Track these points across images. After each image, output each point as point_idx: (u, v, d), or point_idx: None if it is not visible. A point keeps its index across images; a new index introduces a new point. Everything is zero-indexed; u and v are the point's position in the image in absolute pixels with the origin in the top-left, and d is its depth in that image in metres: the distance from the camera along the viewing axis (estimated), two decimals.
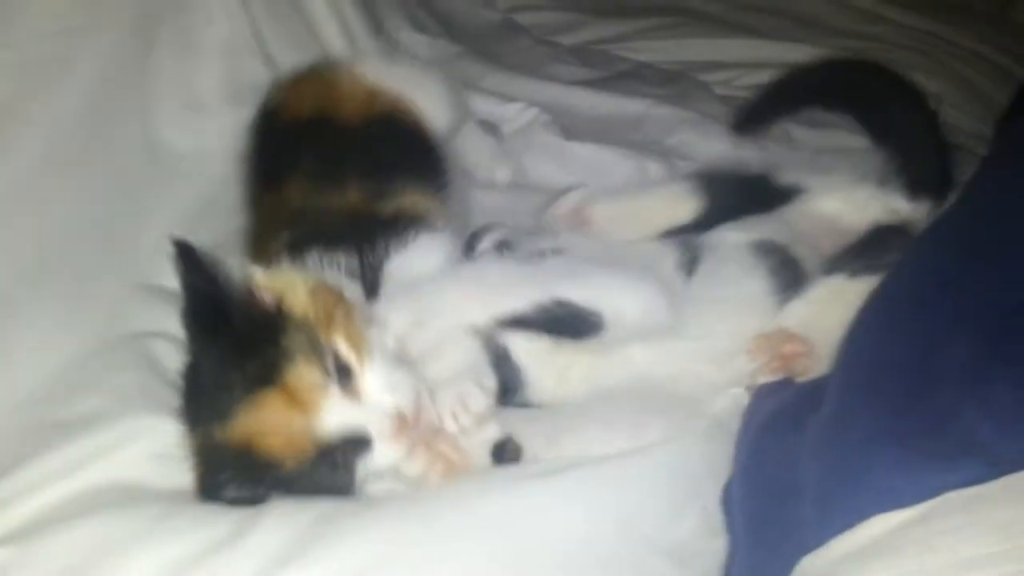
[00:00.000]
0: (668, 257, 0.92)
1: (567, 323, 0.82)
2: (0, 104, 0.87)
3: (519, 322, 0.83)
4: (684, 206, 0.98)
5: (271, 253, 0.85)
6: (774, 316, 0.87)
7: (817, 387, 0.74)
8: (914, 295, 0.74)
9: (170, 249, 0.74)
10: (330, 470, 0.71)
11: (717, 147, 1.27)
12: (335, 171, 0.92)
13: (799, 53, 1.61)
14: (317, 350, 0.72)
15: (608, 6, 1.83)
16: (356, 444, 0.72)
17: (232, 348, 0.73)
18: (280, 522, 0.69)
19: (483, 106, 1.32)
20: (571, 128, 1.29)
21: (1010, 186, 0.81)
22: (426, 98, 1.06)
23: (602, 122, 1.33)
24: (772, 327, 0.84)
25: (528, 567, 0.69)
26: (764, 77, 1.56)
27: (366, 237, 0.85)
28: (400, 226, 0.87)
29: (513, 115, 1.32)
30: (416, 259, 0.85)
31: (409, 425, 0.73)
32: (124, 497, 0.74)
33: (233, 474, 0.71)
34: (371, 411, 0.72)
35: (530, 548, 0.70)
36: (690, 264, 0.92)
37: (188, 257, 0.74)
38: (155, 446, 0.77)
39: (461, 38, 1.48)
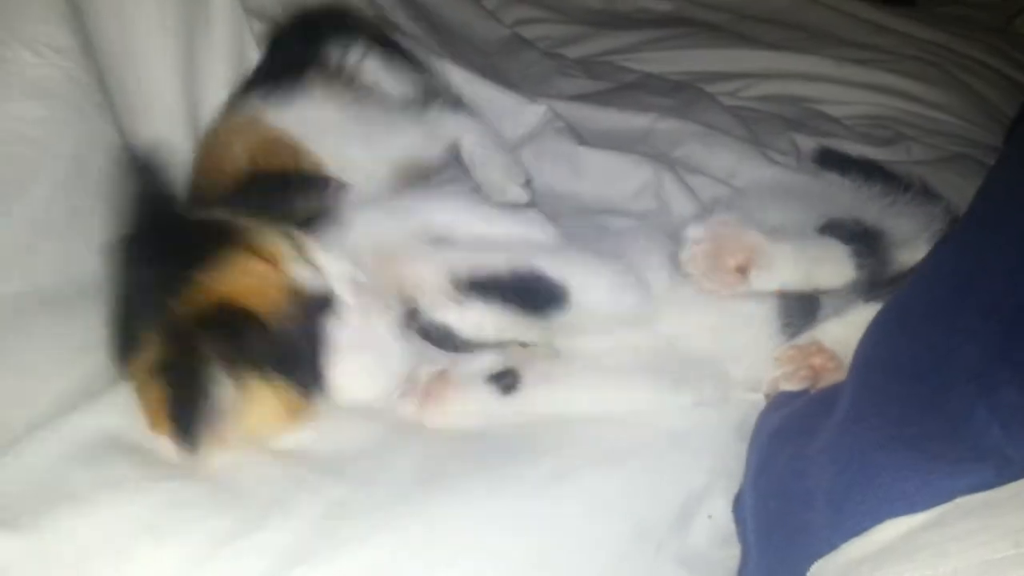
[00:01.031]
0: (654, 254, 0.90)
1: (532, 292, 0.82)
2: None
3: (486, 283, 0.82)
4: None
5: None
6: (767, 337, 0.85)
7: (829, 395, 0.73)
8: (926, 301, 0.74)
9: None
10: (302, 333, 0.72)
11: (724, 159, 1.28)
12: None
13: (806, 64, 1.63)
14: (274, 228, 0.76)
15: (613, 18, 1.84)
16: (322, 304, 0.74)
17: (191, 228, 0.75)
18: (289, 516, 0.69)
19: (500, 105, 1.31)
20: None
21: (1017, 191, 0.81)
22: None
23: (609, 135, 1.33)
24: (805, 338, 0.84)
25: (542, 567, 0.69)
26: (771, 87, 1.58)
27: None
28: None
29: (529, 119, 1.32)
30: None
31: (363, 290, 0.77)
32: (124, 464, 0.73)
33: (212, 345, 0.69)
34: (331, 274, 0.77)
35: (544, 549, 0.70)
36: None
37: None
38: None
39: (466, 54, 1.49)
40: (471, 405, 0.81)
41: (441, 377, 0.81)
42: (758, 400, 0.85)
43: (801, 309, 0.86)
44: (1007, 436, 0.58)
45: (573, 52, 1.71)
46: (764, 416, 0.81)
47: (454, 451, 0.78)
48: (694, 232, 0.80)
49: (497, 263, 0.82)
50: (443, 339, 0.83)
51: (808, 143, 1.33)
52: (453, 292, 0.81)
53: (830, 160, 1.23)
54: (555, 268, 0.83)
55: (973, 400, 0.61)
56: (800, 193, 1.01)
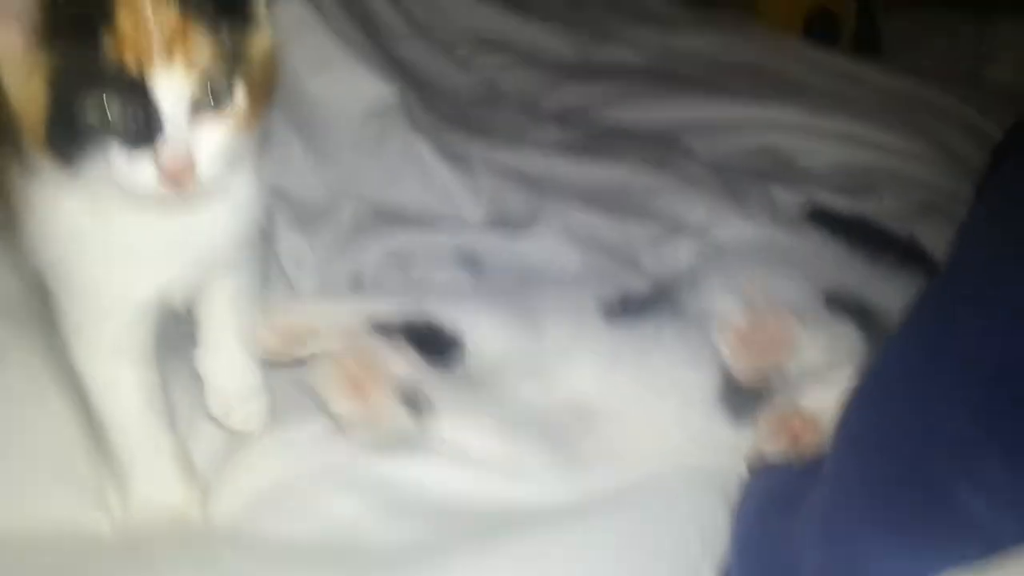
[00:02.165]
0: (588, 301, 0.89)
1: (430, 339, 0.84)
2: None
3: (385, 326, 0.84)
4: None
5: None
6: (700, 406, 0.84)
7: (812, 467, 0.72)
8: (902, 366, 0.73)
9: None
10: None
11: (699, 212, 1.28)
12: None
13: (777, 114, 1.64)
14: None
15: (588, 69, 1.85)
16: None
17: None
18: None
19: None
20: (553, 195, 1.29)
21: (987, 248, 0.81)
22: None
23: (583, 188, 1.33)
24: (787, 405, 0.82)
25: None
26: (744, 138, 1.59)
27: None
28: None
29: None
30: None
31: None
32: None
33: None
34: None
35: None
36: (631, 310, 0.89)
37: None
38: None
39: (440, 106, 1.49)
40: (379, 413, 0.80)
41: (366, 370, 0.80)
42: (739, 467, 0.83)
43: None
44: (990, 510, 0.58)
45: (547, 102, 1.71)
46: (748, 487, 0.79)
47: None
48: (733, 317, 0.78)
49: (393, 316, 0.85)
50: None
51: (795, 199, 1.33)
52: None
53: (820, 219, 1.22)
54: (449, 316, 0.85)
55: (954, 474, 0.61)
56: (791, 258, 1.01)
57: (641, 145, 1.50)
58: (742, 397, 0.83)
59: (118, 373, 0.72)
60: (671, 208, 1.29)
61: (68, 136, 0.56)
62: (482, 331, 0.85)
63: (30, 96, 0.56)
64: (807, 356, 0.79)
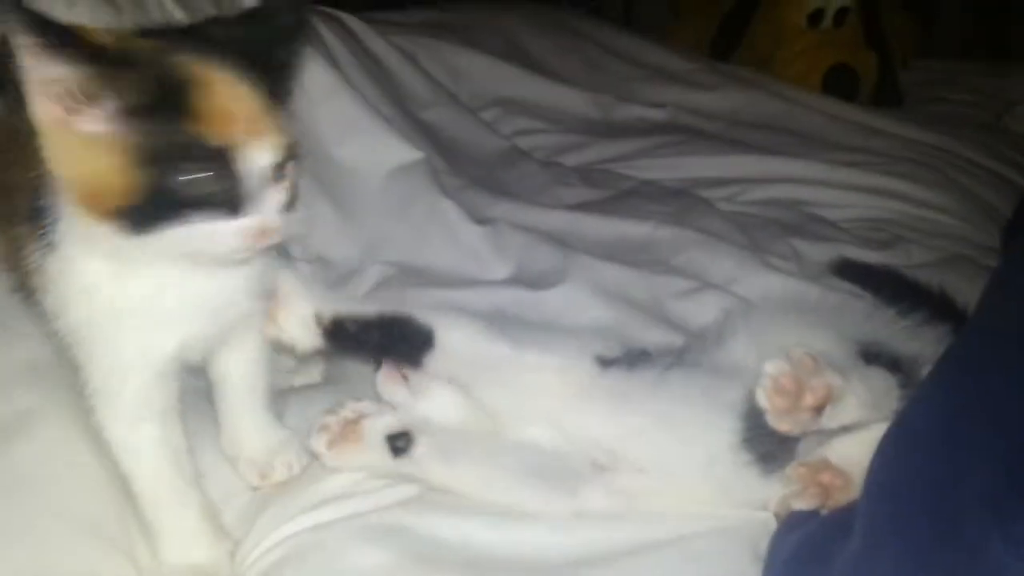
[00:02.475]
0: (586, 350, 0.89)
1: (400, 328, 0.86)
2: None
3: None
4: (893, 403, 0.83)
5: None
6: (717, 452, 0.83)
7: (842, 517, 0.72)
8: (934, 419, 0.72)
9: None
10: None
11: (724, 266, 1.28)
12: None
13: (800, 168, 1.65)
14: None
15: (610, 127, 1.88)
16: None
17: None
18: None
19: None
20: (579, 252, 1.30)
21: (1018, 301, 0.81)
22: None
23: (609, 244, 1.34)
24: (814, 456, 0.82)
25: None
26: (767, 192, 1.60)
27: None
28: None
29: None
30: None
31: None
32: None
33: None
34: None
35: None
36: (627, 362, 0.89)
37: None
38: None
39: (466, 168, 1.51)
40: (367, 459, 0.84)
41: (353, 424, 0.84)
42: (768, 519, 0.82)
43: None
44: (1022, 565, 0.57)
45: (571, 161, 1.74)
46: (777, 539, 0.78)
47: None
48: (774, 367, 0.78)
49: (364, 308, 0.87)
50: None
51: (821, 252, 1.33)
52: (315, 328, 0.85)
53: (849, 273, 1.23)
54: (424, 313, 0.87)
55: (987, 531, 0.60)
56: (820, 311, 1.01)
57: (664, 201, 1.52)
58: (769, 447, 0.83)
59: (142, 432, 0.73)
60: (695, 263, 1.30)
61: (149, 208, 0.59)
62: (451, 325, 0.87)
63: (103, 172, 0.58)
64: (849, 407, 0.78)
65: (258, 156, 0.60)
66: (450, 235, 1.32)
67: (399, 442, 0.83)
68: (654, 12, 2.82)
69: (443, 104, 1.68)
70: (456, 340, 0.87)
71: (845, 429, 0.82)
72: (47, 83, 0.56)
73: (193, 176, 0.59)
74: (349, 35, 1.56)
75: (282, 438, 0.85)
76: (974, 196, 1.63)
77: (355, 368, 0.98)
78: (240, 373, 0.82)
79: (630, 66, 2.07)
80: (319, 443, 0.83)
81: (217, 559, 0.77)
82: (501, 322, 0.90)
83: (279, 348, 0.87)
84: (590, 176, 1.65)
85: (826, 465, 0.81)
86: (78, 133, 0.58)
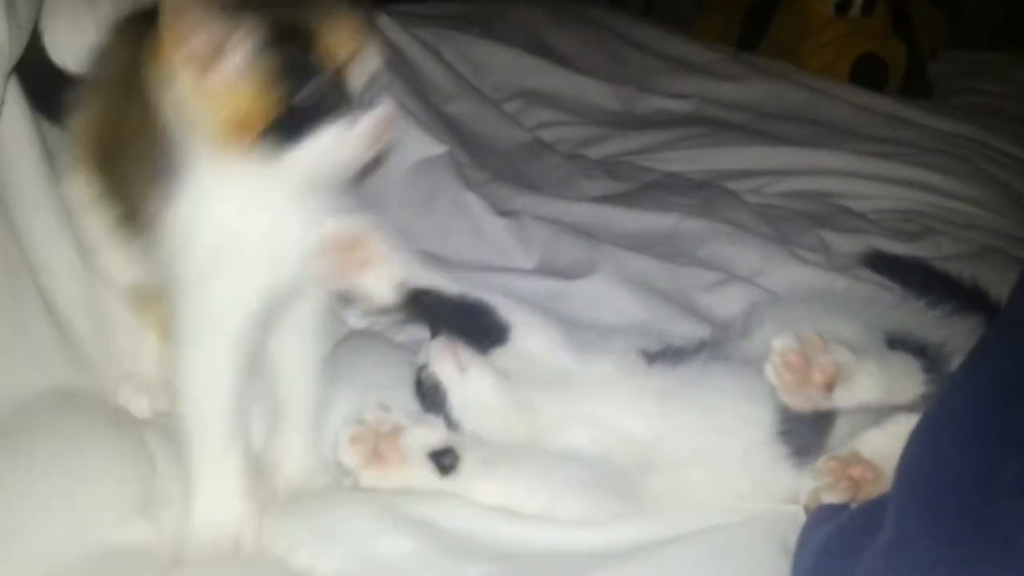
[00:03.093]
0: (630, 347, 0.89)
1: (476, 321, 0.86)
2: None
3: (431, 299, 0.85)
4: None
5: None
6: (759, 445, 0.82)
7: (874, 510, 0.71)
8: (973, 409, 0.71)
9: None
10: None
11: (750, 258, 1.27)
12: None
13: (827, 159, 1.63)
14: None
15: (633, 119, 1.87)
16: None
17: None
18: None
19: None
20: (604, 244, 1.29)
21: None
22: None
23: (634, 236, 1.33)
24: (845, 450, 0.81)
25: None
26: (794, 184, 1.58)
27: None
28: None
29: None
30: None
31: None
32: None
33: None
34: None
35: None
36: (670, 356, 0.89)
37: None
38: None
39: (489, 161, 1.51)
40: (410, 478, 0.81)
41: (391, 439, 0.81)
42: (797, 512, 0.82)
43: (813, 421, 0.83)
44: None
45: (594, 153, 1.73)
46: (807, 532, 0.77)
47: None
48: (782, 343, 0.78)
49: (449, 287, 0.86)
50: (433, 399, 0.86)
51: (848, 244, 1.32)
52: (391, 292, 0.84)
53: (879, 264, 1.22)
54: (506, 309, 0.87)
55: (1020, 522, 0.59)
56: (847, 302, 1.00)
57: (689, 193, 1.51)
58: (803, 440, 0.82)
59: (221, 376, 0.76)
60: (721, 255, 1.29)
61: (287, 122, 0.69)
62: (532, 329, 0.86)
63: (248, 100, 0.68)
64: (862, 386, 0.78)
65: (360, 76, 0.71)
66: (474, 228, 1.31)
67: (445, 459, 0.80)
68: (675, 4, 2.80)
69: (466, 97, 1.68)
70: (532, 345, 0.86)
71: (876, 423, 0.82)
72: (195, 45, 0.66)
73: (316, 88, 0.69)
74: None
75: (317, 464, 0.86)
76: (1005, 187, 1.61)
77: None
78: (295, 351, 0.85)
79: (653, 58, 2.06)
80: (352, 458, 0.80)
81: (245, 517, 0.77)
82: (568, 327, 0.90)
83: (346, 299, 0.90)
84: (614, 168, 1.64)
85: (857, 459, 0.81)
86: (221, 78, 0.68)
